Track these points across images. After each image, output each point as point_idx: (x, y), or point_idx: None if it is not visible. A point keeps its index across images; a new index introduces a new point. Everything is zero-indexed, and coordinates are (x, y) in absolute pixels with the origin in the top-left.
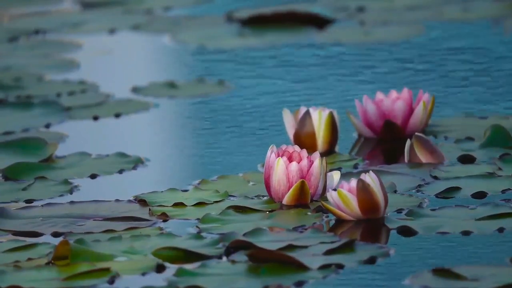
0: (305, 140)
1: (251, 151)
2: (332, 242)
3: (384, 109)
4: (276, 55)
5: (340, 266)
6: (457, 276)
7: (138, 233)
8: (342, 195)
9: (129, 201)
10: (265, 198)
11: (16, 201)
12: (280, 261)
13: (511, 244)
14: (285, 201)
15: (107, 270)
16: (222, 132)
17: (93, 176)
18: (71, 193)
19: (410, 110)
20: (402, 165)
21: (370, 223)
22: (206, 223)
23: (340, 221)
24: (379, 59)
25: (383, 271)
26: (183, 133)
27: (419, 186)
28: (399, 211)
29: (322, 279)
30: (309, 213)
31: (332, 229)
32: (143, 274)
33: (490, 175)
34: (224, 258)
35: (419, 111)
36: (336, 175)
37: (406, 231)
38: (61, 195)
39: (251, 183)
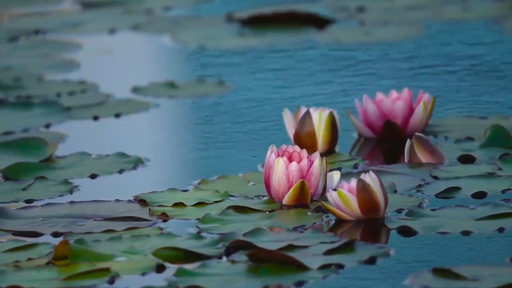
0: (305, 140)
1: (251, 151)
2: (332, 242)
3: (384, 109)
4: (276, 55)
5: (340, 266)
6: (457, 276)
7: (138, 233)
8: (342, 195)
9: (129, 201)
10: (265, 198)
11: (16, 201)
12: (280, 261)
13: (511, 244)
14: (285, 201)
15: (107, 270)
16: (222, 132)
17: (93, 176)
18: (71, 193)
19: (410, 110)
20: (402, 165)
21: (370, 223)
22: (206, 223)
23: (340, 221)
24: (379, 59)
25: (383, 271)
26: (183, 133)
27: (419, 186)
28: (399, 211)
29: (322, 279)
30: (309, 213)
31: (332, 229)
32: (143, 274)
33: (490, 175)
34: (224, 258)
35: (419, 111)
36: (336, 175)
37: (406, 231)
38: (61, 195)
39: (251, 183)
